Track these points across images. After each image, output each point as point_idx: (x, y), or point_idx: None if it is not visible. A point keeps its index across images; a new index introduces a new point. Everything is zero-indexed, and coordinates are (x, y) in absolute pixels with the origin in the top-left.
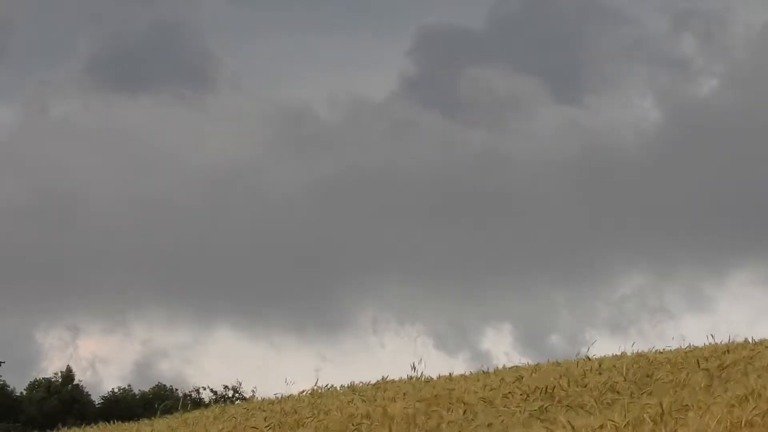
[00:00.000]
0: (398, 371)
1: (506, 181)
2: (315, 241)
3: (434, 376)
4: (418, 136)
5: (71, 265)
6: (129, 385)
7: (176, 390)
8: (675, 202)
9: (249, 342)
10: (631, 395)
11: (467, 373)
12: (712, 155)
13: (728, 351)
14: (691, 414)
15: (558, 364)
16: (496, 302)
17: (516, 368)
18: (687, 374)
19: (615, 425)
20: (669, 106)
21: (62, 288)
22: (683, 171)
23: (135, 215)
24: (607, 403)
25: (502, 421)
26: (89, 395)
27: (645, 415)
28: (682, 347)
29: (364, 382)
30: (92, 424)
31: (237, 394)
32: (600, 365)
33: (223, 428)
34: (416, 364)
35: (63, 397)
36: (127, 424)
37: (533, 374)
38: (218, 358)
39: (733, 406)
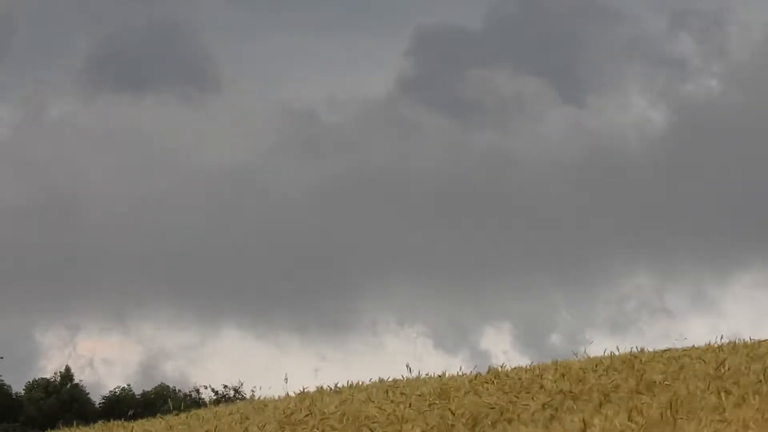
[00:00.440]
0: (399, 371)
1: (508, 181)
2: (317, 241)
3: (431, 376)
4: (418, 136)
5: (74, 264)
6: (128, 385)
7: (179, 390)
8: (678, 202)
9: (254, 342)
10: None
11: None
12: (715, 155)
13: (724, 351)
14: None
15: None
16: (496, 301)
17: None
18: (683, 375)
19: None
20: (671, 106)
21: (65, 288)
22: (686, 171)
23: (137, 215)
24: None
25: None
26: (89, 395)
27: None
28: (681, 348)
29: (367, 381)
30: (91, 424)
31: (237, 394)
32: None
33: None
34: (412, 364)
35: (62, 397)
36: (126, 423)
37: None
38: (223, 359)
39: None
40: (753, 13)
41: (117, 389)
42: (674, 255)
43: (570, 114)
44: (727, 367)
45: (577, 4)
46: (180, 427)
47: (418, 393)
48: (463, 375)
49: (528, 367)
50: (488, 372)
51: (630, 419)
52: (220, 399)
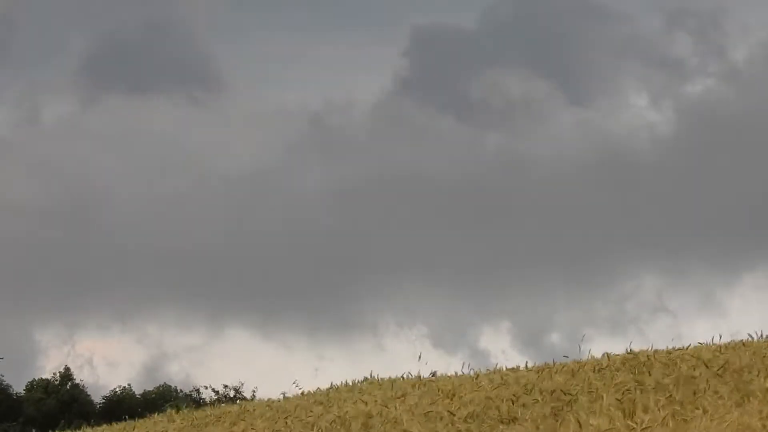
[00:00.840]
0: (401, 371)
1: (509, 181)
2: (325, 242)
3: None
4: (420, 137)
5: (77, 265)
6: (129, 384)
7: (180, 390)
8: (685, 202)
9: (261, 344)
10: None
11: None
12: (719, 154)
13: (723, 350)
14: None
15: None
16: (496, 300)
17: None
18: (687, 374)
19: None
20: (678, 107)
21: (67, 288)
22: (693, 171)
23: (139, 215)
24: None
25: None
26: (89, 395)
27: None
28: (683, 347)
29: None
30: (91, 424)
31: (238, 394)
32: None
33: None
34: (414, 364)
35: (61, 397)
36: (125, 423)
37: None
38: (229, 360)
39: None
40: (752, 13)
41: (118, 389)
42: (680, 255)
43: (574, 114)
44: (731, 367)
45: (574, 5)
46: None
47: (420, 393)
48: (465, 374)
49: (527, 366)
50: (488, 371)
51: (631, 419)
52: (221, 399)
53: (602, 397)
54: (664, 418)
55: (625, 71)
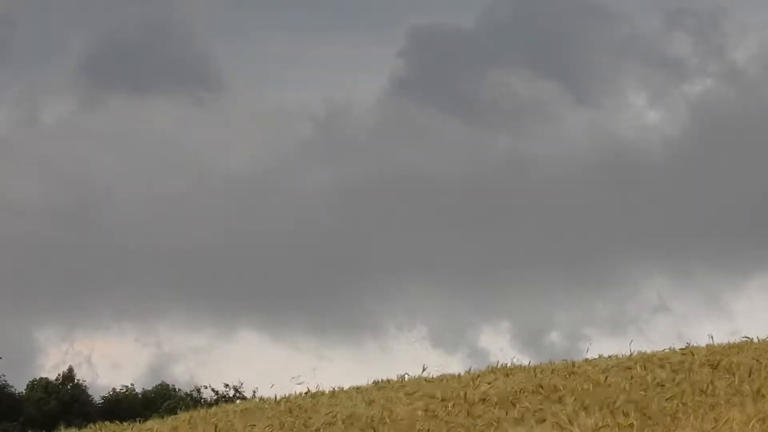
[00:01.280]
0: (401, 371)
1: (510, 181)
2: (320, 242)
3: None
4: (420, 137)
5: (81, 265)
6: (132, 384)
7: (179, 390)
8: (690, 203)
9: (263, 343)
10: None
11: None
12: (720, 154)
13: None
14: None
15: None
16: (496, 300)
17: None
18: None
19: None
20: (674, 107)
21: (69, 288)
22: (691, 171)
23: (142, 216)
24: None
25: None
26: (89, 395)
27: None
28: (685, 347)
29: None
30: (91, 424)
31: (238, 393)
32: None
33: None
34: (417, 364)
35: (62, 397)
36: (126, 424)
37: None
38: (229, 360)
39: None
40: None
41: (120, 388)
42: (682, 255)
43: (573, 114)
44: (733, 368)
45: (573, 5)
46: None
47: (421, 393)
48: (467, 374)
49: (526, 366)
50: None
51: (627, 418)
52: (221, 399)
53: (598, 396)
54: (662, 417)
55: (625, 71)
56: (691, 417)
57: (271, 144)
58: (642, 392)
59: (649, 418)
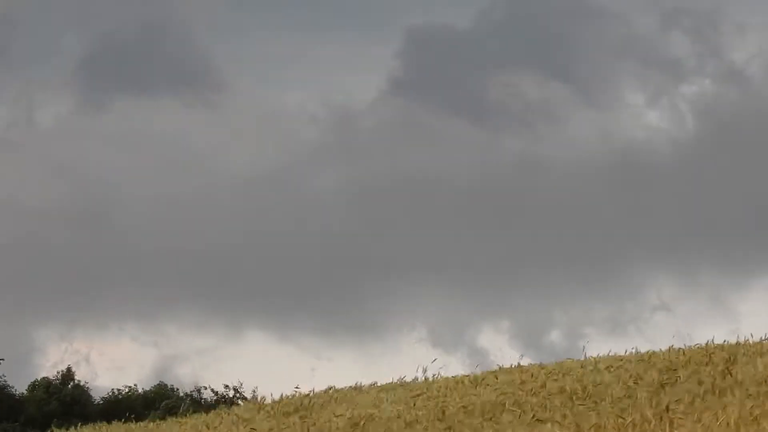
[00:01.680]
0: (402, 371)
1: (511, 181)
2: (319, 242)
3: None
4: (421, 137)
5: (78, 264)
6: (135, 384)
7: (177, 389)
8: (686, 203)
9: (273, 345)
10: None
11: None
12: (722, 154)
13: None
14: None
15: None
16: (496, 299)
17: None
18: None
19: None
20: (675, 107)
21: (69, 288)
22: (696, 172)
23: (141, 215)
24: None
25: None
26: (91, 396)
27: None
28: (687, 347)
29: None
30: (90, 424)
31: (238, 394)
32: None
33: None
34: (421, 368)
35: (62, 397)
36: (126, 424)
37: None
38: (230, 360)
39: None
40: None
41: (124, 389)
42: (683, 255)
43: (573, 114)
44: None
45: (570, 5)
46: None
47: (424, 394)
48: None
49: (522, 366)
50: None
51: (624, 419)
52: (220, 399)
53: (597, 396)
54: (660, 417)
55: (624, 71)
56: (692, 417)
57: (274, 144)
58: (642, 392)
59: (649, 418)
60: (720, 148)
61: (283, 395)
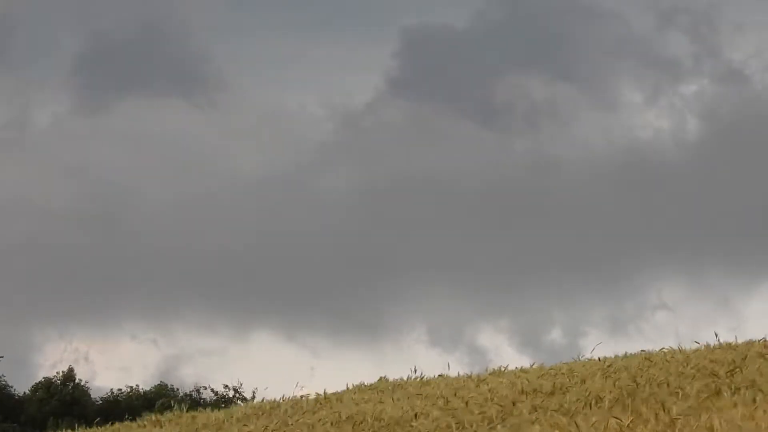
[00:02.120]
0: (403, 371)
1: (512, 182)
2: (319, 242)
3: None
4: (421, 137)
5: (77, 264)
6: (137, 385)
7: (177, 389)
8: (688, 203)
9: (280, 345)
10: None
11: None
12: (722, 155)
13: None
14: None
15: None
16: (496, 299)
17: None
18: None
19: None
20: (675, 107)
21: (69, 287)
22: (693, 171)
23: (141, 215)
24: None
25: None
26: (91, 396)
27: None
28: (688, 348)
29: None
30: (90, 424)
31: (237, 394)
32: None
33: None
34: (415, 366)
35: (63, 397)
36: (127, 424)
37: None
38: (231, 360)
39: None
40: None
41: (124, 389)
42: (685, 256)
43: (572, 114)
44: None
45: (567, 5)
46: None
47: (424, 394)
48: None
49: (522, 367)
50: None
51: (622, 420)
52: (220, 399)
53: (596, 397)
54: (658, 417)
55: (623, 70)
56: (691, 417)
57: (275, 145)
58: (643, 392)
59: (649, 418)
60: (728, 149)
61: (284, 396)
